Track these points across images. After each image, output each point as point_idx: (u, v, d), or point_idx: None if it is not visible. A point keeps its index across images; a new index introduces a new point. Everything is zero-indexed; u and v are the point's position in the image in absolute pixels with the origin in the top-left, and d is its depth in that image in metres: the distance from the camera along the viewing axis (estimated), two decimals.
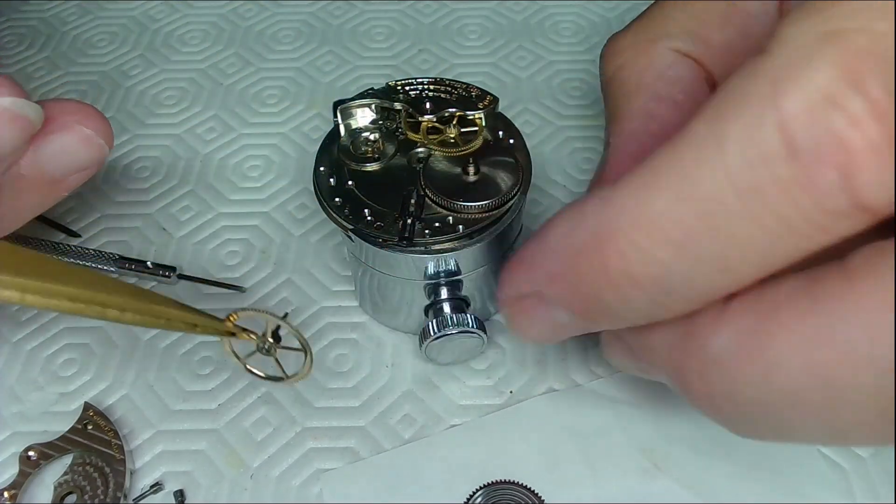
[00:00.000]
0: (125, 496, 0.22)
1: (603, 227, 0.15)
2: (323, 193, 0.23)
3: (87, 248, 0.29)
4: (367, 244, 0.23)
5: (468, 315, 0.23)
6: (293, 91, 0.35)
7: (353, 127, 0.25)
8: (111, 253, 0.28)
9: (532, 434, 0.24)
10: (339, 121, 0.25)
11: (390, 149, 0.24)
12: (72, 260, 0.29)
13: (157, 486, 0.23)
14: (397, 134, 0.25)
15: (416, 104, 0.25)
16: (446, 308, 0.24)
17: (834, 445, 0.15)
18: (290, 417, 0.24)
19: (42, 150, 0.22)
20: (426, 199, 0.23)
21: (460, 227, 0.22)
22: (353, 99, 0.25)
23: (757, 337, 0.14)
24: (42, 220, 0.30)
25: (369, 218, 0.22)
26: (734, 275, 0.14)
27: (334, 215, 0.23)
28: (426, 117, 0.24)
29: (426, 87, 0.25)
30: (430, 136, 0.24)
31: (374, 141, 0.25)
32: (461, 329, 0.23)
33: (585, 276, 0.16)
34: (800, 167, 0.13)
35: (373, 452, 0.24)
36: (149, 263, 0.28)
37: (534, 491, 0.22)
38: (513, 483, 0.22)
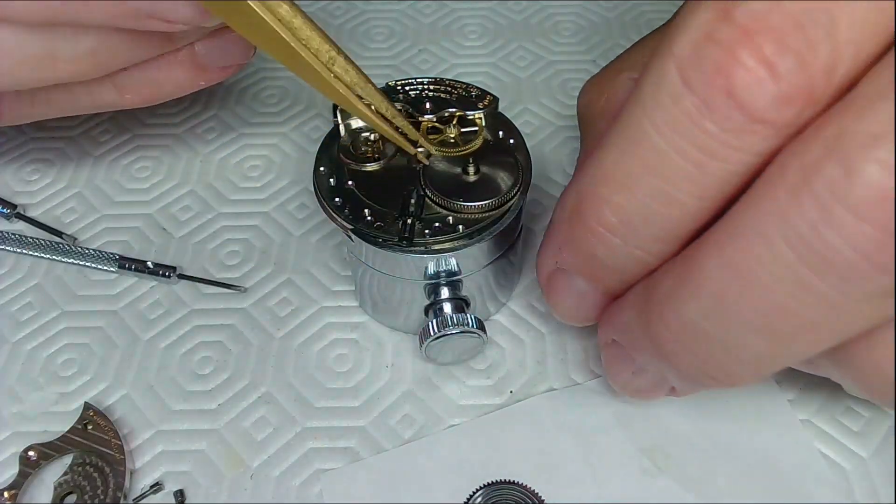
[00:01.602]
0: (125, 496, 0.22)
1: (579, 192, 0.18)
2: (323, 193, 0.23)
3: (88, 248, 0.29)
4: (366, 244, 0.23)
5: (468, 315, 0.23)
6: (293, 91, 0.35)
7: (353, 127, 0.25)
8: (111, 253, 0.29)
9: (532, 434, 0.24)
10: (339, 121, 0.25)
11: (390, 149, 0.24)
12: (71, 261, 0.29)
13: (157, 486, 0.23)
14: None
15: (415, 104, 0.25)
16: (446, 308, 0.24)
17: (777, 353, 0.16)
18: (290, 417, 0.24)
19: (215, 41, 0.27)
20: (426, 199, 0.23)
21: (460, 227, 0.22)
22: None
23: (685, 263, 0.17)
24: (38, 224, 0.30)
25: (369, 218, 0.22)
26: (680, 206, 0.16)
27: (334, 215, 0.23)
28: (426, 117, 0.24)
29: (426, 87, 0.25)
30: (430, 136, 0.24)
31: (374, 141, 0.25)
32: (461, 329, 0.23)
33: (578, 236, 0.18)
34: (697, 98, 0.15)
35: (373, 452, 0.24)
36: (149, 263, 0.28)
37: (534, 491, 0.22)
38: (513, 483, 0.22)
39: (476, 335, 0.23)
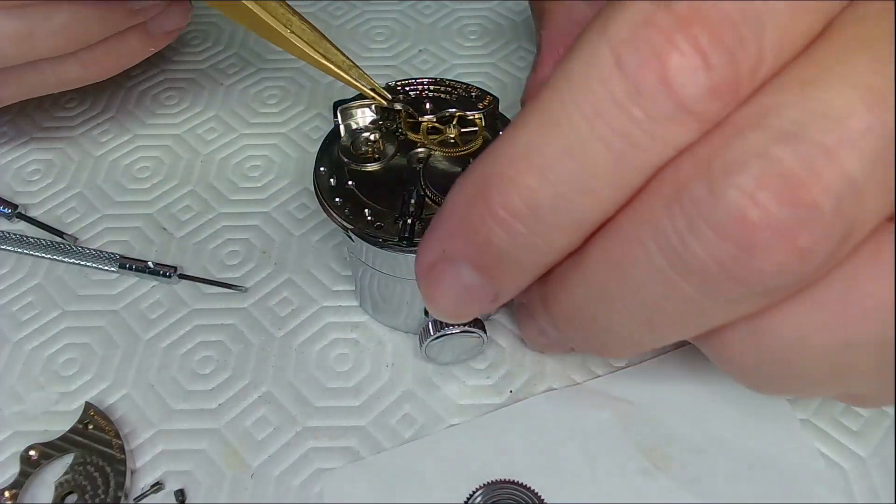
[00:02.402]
0: (126, 496, 0.22)
1: (484, 174, 0.17)
2: (323, 193, 0.23)
3: (88, 248, 0.29)
4: (367, 244, 0.23)
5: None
6: (293, 91, 0.35)
7: (354, 127, 0.25)
8: (112, 253, 0.29)
9: (532, 433, 0.24)
10: (340, 121, 0.25)
11: (390, 149, 0.24)
12: (72, 261, 0.29)
13: (157, 486, 0.23)
14: (397, 134, 0.25)
15: (416, 104, 0.25)
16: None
17: (651, 338, 0.18)
18: (291, 417, 0.24)
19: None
20: (426, 199, 0.23)
21: None
22: (353, 99, 0.25)
23: (582, 257, 0.17)
24: (39, 224, 0.30)
25: (369, 218, 0.23)
26: (594, 196, 0.16)
27: (334, 215, 0.23)
28: (426, 117, 0.24)
29: (426, 87, 0.25)
30: (431, 137, 0.24)
31: (375, 141, 0.25)
32: (461, 328, 0.23)
33: (476, 221, 0.17)
34: (629, 81, 0.14)
35: (373, 452, 0.24)
36: (150, 263, 0.28)
37: (533, 490, 0.22)
38: (512, 482, 0.22)
39: (476, 335, 0.23)
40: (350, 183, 0.23)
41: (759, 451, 0.23)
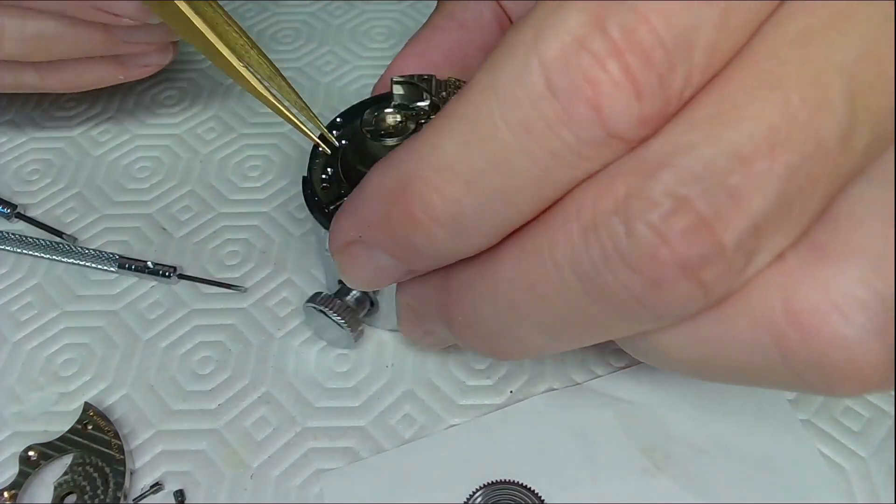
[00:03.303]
0: (125, 496, 0.22)
1: (406, 174, 0.17)
2: (312, 201, 0.23)
3: (88, 248, 0.29)
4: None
5: (347, 306, 0.24)
6: None
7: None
8: (112, 253, 0.29)
9: (532, 433, 0.24)
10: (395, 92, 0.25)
11: (411, 126, 0.24)
12: (71, 261, 0.29)
13: (157, 486, 0.23)
14: (421, 123, 0.25)
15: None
16: (347, 294, 0.25)
17: (553, 347, 0.19)
18: (290, 417, 0.24)
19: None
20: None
21: None
22: (379, 104, 0.25)
23: (485, 265, 0.18)
24: (38, 224, 0.30)
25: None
26: (517, 206, 0.16)
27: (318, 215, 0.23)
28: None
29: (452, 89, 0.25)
30: None
31: (401, 121, 0.24)
32: (341, 317, 0.24)
33: (395, 220, 0.17)
34: (559, 104, 0.14)
35: (373, 452, 0.24)
36: (149, 263, 0.28)
37: (533, 490, 0.22)
38: (513, 482, 0.22)
39: (340, 327, 0.24)
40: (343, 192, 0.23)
41: (760, 451, 0.23)
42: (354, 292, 0.25)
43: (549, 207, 0.16)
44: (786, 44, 0.15)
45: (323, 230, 0.23)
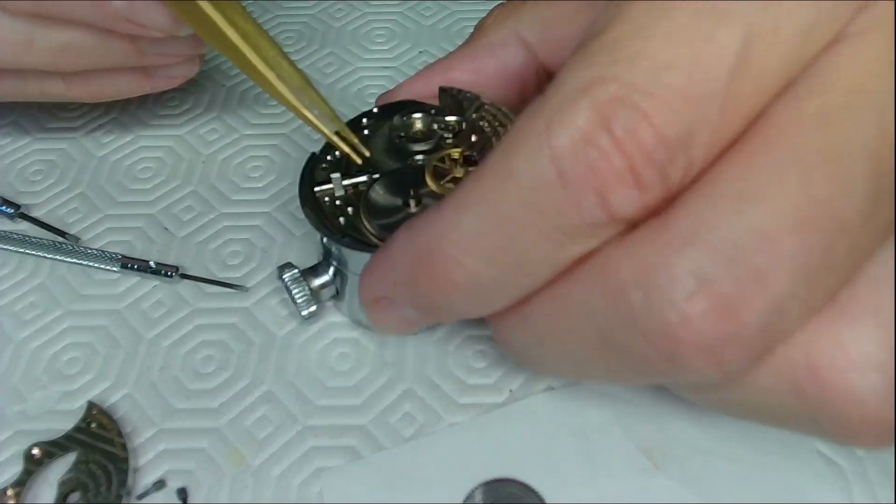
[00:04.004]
0: (128, 494, 0.23)
1: (429, 244, 0.18)
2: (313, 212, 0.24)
3: (90, 248, 0.29)
4: (345, 249, 0.23)
5: (308, 286, 0.25)
6: None
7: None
8: (114, 253, 0.29)
9: (532, 432, 0.24)
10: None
11: (436, 135, 0.25)
12: (74, 260, 0.29)
13: (159, 484, 0.23)
14: (445, 137, 0.25)
15: (464, 133, 0.25)
16: (315, 274, 0.25)
17: (579, 379, 0.22)
18: (291, 416, 0.25)
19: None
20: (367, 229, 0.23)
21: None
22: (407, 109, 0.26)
23: (523, 312, 0.19)
24: (41, 224, 0.30)
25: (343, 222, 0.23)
26: (534, 276, 0.17)
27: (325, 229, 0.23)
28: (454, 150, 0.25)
29: (485, 115, 0.25)
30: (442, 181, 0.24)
31: (427, 128, 0.25)
32: (292, 289, 0.25)
33: (420, 284, 0.19)
34: (568, 192, 0.16)
35: (373, 451, 0.24)
36: (152, 263, 0.28)
37: (533, 489, 0.22)
38: (513, 481, 0.22)
39: (294, 303, 0.25)
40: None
41: (758, 450, 0.23)
42: (324, 275, 0.25)
43: (577, 265, 0.17)
44: (806, 121, 0.15)
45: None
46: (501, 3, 0.28)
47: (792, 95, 0.16)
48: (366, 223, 0.23)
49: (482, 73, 0.27)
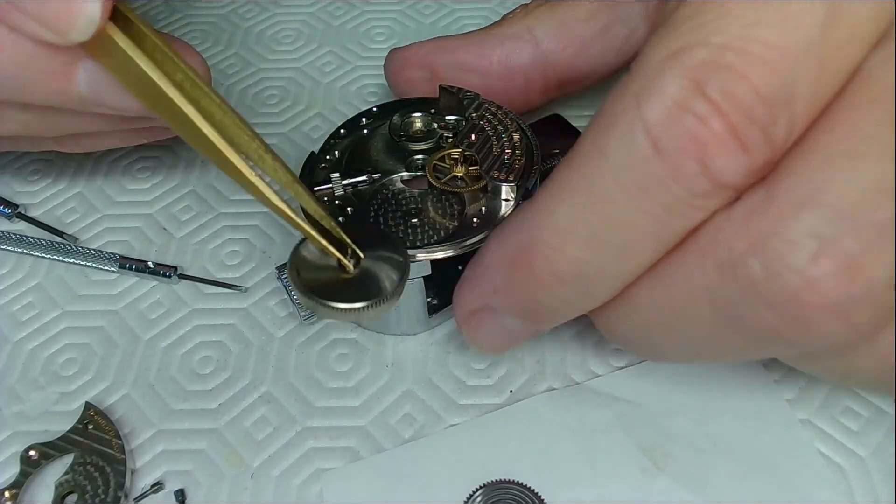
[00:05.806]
0: (126, 495, 0.23)
1: (526, 239, 0.18)
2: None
3: (89, 248, 0.29)
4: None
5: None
6: (293, 91, 0.35)
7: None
8: (112, 253, 0.29)
9: (532, 433, 0.24)
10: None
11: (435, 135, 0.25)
12: (72, 261, 0.29)
13: (157, 486, 0.23)
14: (444, 138, 0.25)
15: (465, 130, 0.25)
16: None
17: (689, 361, 0.21)
18: (291, 417, 0.24)
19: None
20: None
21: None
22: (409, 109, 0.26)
23: (629, 300, 0.18)
24: (39, 224, 0.30)
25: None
26: (636, 259, 0.17)
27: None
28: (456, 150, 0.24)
29: (486, 115, 0.25)
30: (437, 169, 0.24)
31: (427, 126, 0.25)
32: (292, 291, 0.25)
33: (521, 282, 0.18)
34: (667, 163, 0.15)
35: (373, 452, 0.24)
36: (150, 263, 0.28)
37: (533, 490, 0.22)
38: (513, 482, 0.22)
39: (294, 304, 0.25)
40: (340, 219, 0.23)
41: (759, 450, 0.23)
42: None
43: (682, 243, 0.17)
44: None
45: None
46: (524, 3, 0.28)
47: (889, 50, 0.15)
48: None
49: (486, 58, 0.27)
